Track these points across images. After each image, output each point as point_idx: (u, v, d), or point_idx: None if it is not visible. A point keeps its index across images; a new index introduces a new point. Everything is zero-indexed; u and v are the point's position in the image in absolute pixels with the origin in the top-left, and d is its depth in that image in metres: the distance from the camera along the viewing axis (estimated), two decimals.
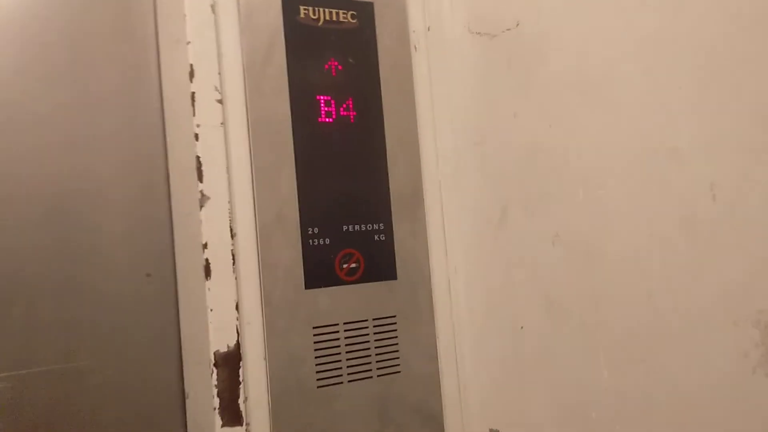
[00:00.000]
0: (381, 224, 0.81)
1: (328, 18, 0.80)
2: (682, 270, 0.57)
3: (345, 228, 0.79)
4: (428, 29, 0.86)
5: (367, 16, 0.82)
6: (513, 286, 0.75)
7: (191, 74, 0.72)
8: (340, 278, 0.78)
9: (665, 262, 0.58)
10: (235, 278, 0.72)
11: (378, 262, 0.80)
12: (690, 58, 0.55)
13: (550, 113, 0.69)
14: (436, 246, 0.84)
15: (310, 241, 0.77)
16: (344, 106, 0.80)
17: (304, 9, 0.79)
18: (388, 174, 0.81)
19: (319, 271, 0.77)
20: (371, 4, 0.82)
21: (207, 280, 0.71)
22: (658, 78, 0.58)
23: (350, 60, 0.81)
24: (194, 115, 0.72)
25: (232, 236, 0.73)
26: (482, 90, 0.78)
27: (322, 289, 0.77)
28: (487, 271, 0.79)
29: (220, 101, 0.73)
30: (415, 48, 0.85)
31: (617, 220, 0.62)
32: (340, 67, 0.80)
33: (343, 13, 0.81)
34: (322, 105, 0.79)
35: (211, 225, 0.72)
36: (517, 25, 0.72)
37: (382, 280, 0.80)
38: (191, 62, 0.72)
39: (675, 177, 0.57)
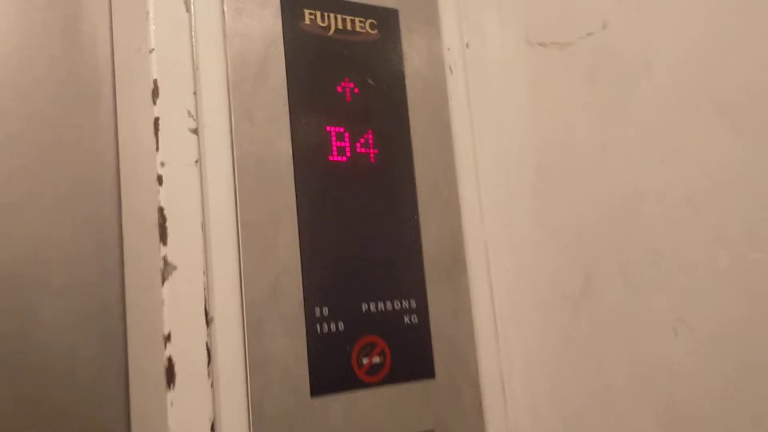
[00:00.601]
0: (412, 301, 0.59)
1: (341, 27, 0.60)
2: None
3: (365, 307, 0.57)
4: (467, 46, 0.66)
5: (390, 26, 0.62)
6: (606, 392, 0.53)
7: (155, 93, 0.51)
8: (358, 379, 0.56)
9: None
10: (211, 384, 0.50)
11: (409, 355, 0.58)
12: None
13: (663, 143, 0.49)
14: (485, 329, 0.62)
15: (318, 326, 0.54)
16: (362, 140, 0.59)
17: (310, 14, 0.59)
18: (420, 232, 0.60)
19: (331, 370, 0.54)
20: (396, 12, 0.63)
21: (169, 389, 0.48)
22: None
23: (369, 81, 0.60)
24: (157, 149, 0.50)
25: (208, 323, 0.50)
26: (546, 118, 0.59)
27: (335, 395, 0.54)
28: (563, 367, 0.57)
29: (194, 131, 0.52)
30: (451, 69, 0.65)
31: None
32: (356, 89, 0.60)
33: (360, 22, 0.61)
34: (334, 139, 0.58)
35: (178, 306, 0.49)
36: (604, 27, 0.52)
37: (415, 380, 0.58)
38: (155, 77, 0.51)
39: None
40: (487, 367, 0.61)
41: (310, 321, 0.54)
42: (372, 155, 0.59)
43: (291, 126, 0.56)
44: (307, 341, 0.54)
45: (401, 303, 0.59)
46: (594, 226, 0.54)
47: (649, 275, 0.50)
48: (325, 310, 0.55)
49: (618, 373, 0.52)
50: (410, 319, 0.59)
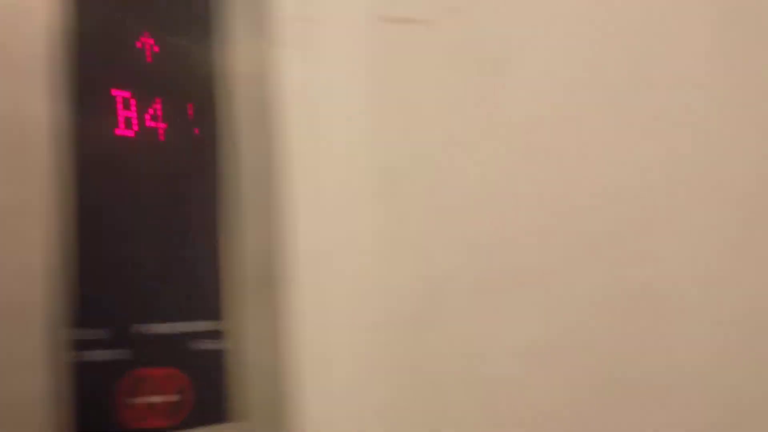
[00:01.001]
0: (214, 322, 0.47)
1: None
2: None
3: (151, 329, 0.44)
4: (306, 18, 0.55)
5: None
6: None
7: None
8: (135, 426, 0.42)
9: None
10: None
11: (207, 392, 0.45)
12: None
13: (533, 141, 0.41)
14: (307, 360, 0.50)
15: (83, 354, 0.40)
16: (151, 111, 0.46)
17: None
18: (226, 235, 0.48)
19: (99, 415, 0.40)
20: None
21: None
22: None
23: (172, 39, 0.47)
24: None
25: None
26: (398, 109, 0.50)
27: None
28: (399, 403, 0.48)
29: None
30: (284, 43, 0.54)
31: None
32: (156, 48, 0.46)
33: None
34: (120, 106, 0.44)
35: None
36: (473, 1, 0.44)
37: (215, 423, 0.45)
38: None
39: None
40: (308, 406, 0.50)
41: (71, 347, 0.40)
42: (161, 130, 0.46)
43: (64, 82, 0.41)
44: (66, 376, 0.39)
45: (199, 324, 0.46)
46: (444, 237, 0.45)
47: (506, 294, 0.41)
48: (96, 333, 0.41)
49: (464, 407, 0.43)
50: (210, 346, 0.46)
